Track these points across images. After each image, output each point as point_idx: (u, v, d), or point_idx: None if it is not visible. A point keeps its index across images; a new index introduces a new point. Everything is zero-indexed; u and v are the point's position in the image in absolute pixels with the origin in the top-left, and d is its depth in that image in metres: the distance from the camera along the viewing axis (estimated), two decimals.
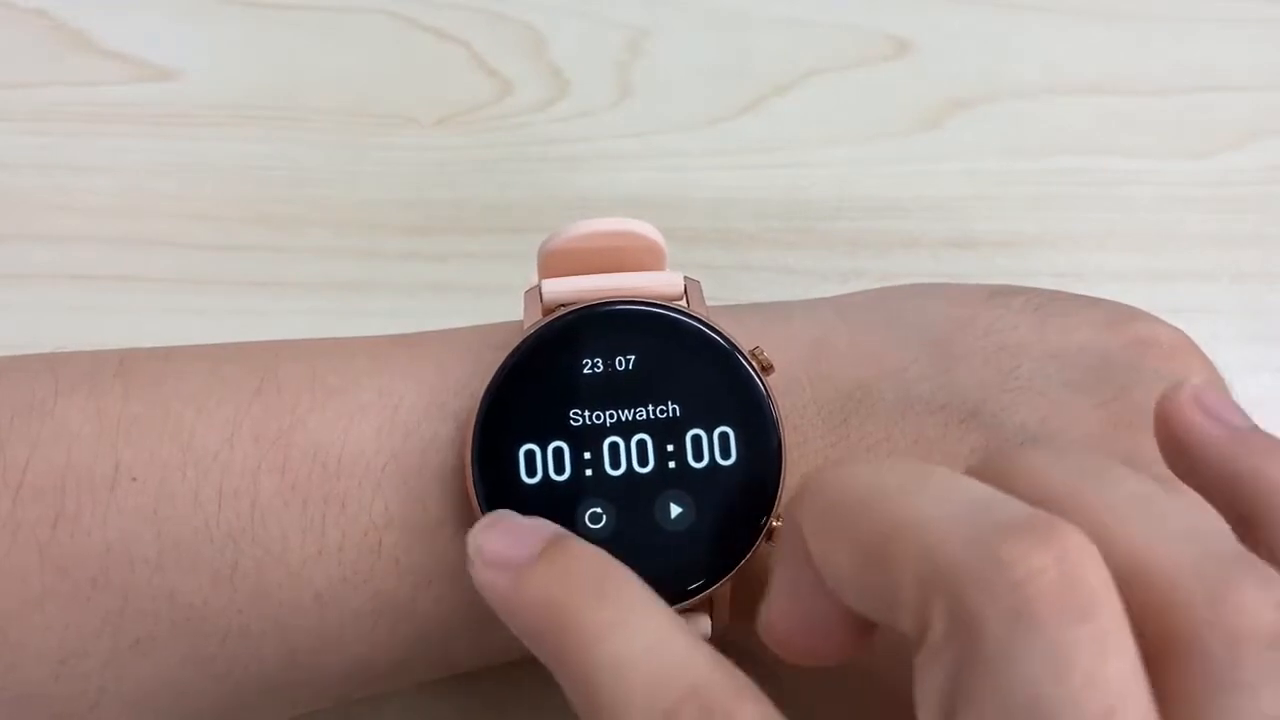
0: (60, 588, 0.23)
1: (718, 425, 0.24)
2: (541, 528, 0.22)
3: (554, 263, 0.25)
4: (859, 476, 0.19)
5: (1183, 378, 0.26)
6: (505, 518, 0.22)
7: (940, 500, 0.18)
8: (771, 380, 0.24)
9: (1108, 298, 0.29)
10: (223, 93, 0.39)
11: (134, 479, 0.23)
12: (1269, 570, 0.17)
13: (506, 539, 0.22)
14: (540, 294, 0.25)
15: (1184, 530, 0.18)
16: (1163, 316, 0.28)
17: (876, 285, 0.30)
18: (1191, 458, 0.21)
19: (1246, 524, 0.19)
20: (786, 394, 0.25)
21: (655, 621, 0.20)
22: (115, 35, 0.40)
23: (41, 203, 0.37)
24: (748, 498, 0.23)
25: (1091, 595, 0.16)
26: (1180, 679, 0.16)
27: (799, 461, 0.25)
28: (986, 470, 0.19)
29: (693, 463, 0.24)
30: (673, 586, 0.23)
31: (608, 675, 0.19)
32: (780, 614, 0.20)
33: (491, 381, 0.24)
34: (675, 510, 0.23)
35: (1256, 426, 0.21)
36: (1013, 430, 0.25)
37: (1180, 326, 0.28)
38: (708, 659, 0.19)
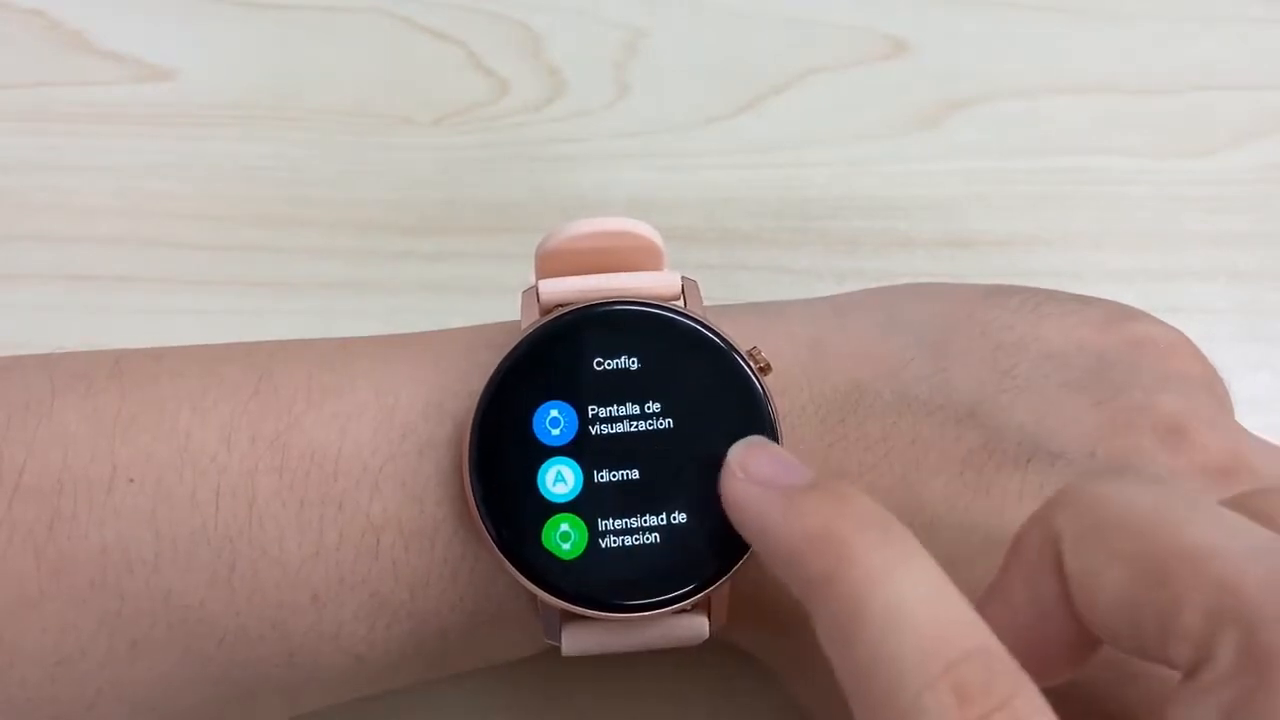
0: (57, 589, 0.23)
1: (715, 425, 0.24)
2: (804, 466, 0.21)
3: (551, 263, 0.25)
4: (1138, 495, 0.19)
5: (1181, 376, 0.26)
6: (767, 443, 0.22)
7: (1230, 533, 0.18)
8: (769, 380, 0.24)
9: (1105, 297, 0.28)
10: (220, 93, 0.39)
11: (131, 480, 0.23)
12: None
13: (775, 462, 0.22)
14: (538, 294, 0.25)
15: None
16: (1160, 316, 0.28)
17: (874, 285, 0.30)
18: None
19: None
20: (784, 394, 0.25)
21: (936, 575, 0.19)
22: (112, 35, 0.40)
23: (38, 203, 0.37)
24: None
25: None
26: None
27: None
28: (1243, 505, 0.19)
29: (691, 463, 0.24)
30: (671, 587, 0.23)
31: (884, 617, 0.18)
32: (996, 625, 0.18)
33: (489, 382, 0.24)
34: (673, 510, 0.23)
35: None
36: (1010, 430, 0.25)
37: (1178, 326, 0.28)
38: (986, 627, 0.18)
